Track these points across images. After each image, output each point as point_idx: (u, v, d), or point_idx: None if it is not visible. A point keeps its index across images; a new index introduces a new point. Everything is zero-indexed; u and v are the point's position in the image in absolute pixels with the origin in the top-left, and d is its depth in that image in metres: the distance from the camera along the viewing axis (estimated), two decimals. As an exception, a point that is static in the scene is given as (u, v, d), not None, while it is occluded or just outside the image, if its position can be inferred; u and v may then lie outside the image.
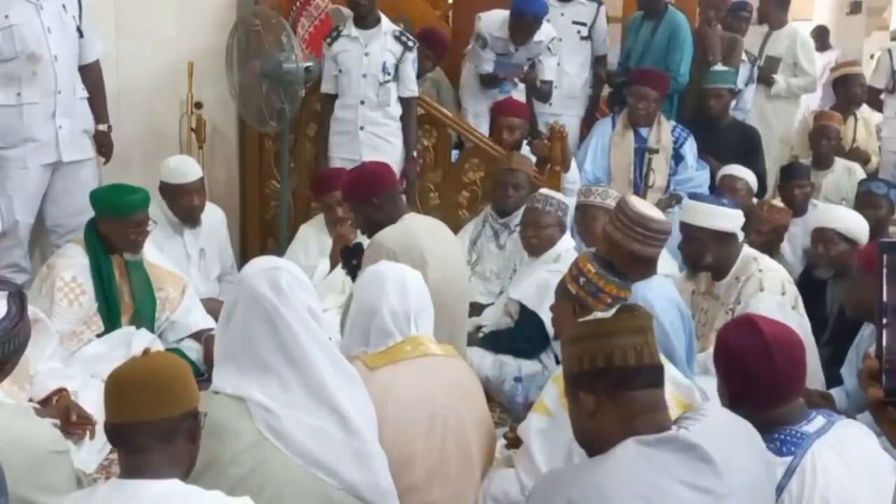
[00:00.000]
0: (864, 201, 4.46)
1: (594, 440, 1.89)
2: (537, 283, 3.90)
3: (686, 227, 3.65)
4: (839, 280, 3.86)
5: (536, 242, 4.09)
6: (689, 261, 3.77)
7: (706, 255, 3.61)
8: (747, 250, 3.69)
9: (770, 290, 3.50)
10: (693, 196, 3.90)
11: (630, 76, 5.53)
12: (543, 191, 4.21)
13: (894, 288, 1.26)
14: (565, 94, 5.67)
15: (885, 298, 1.26)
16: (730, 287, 3.62)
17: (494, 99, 5.45)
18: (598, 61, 5.81)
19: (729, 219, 3.61)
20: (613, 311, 1.93)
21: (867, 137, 6.00)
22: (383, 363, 2.60)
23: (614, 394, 1.84)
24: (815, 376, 3.33)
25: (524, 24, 5.22)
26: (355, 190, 3.59)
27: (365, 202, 3.52)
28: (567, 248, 4.10)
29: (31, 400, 3.25)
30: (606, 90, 6.02)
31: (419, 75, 5.04)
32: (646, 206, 3.34)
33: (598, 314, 1.98)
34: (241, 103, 4.88)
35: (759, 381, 2.19)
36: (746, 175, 5.02)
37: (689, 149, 5.36)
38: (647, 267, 3.18)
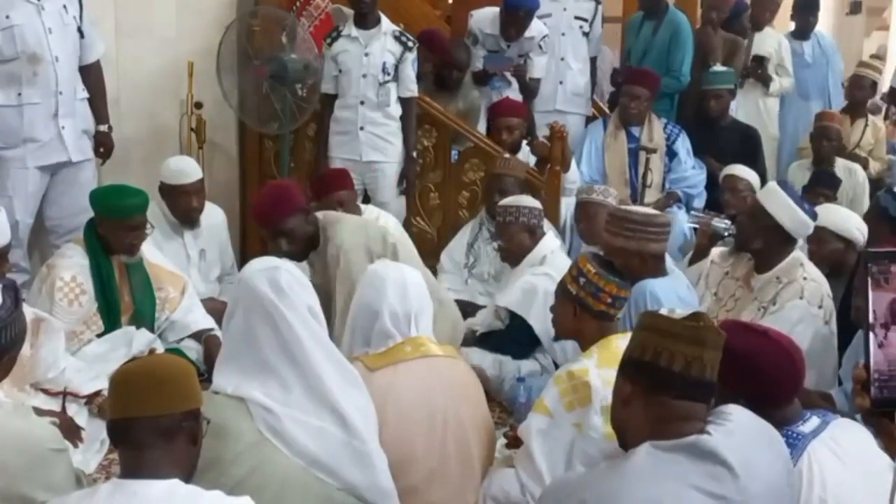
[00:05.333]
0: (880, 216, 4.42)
1: (622, 428, 1.91)
2: (523, 288, 3.90)
3: (756, 206, 3.61)
4: (838, 280, 3.86)
5: (507, 254, 4.11)
6: (739, 237, 3.73)
7: (755, 240, 3.58)
8: (797, 253, 3.62)
9: (809, 301, 3.46)
10: (782, 183, 3.84)
11: (622, 75, 5.55)
12: (504, 202, 4.16)
13: (881, 297, 1.26)
14: (570, 90, 5.66)
15: (871, 308, 1.26)
16: (768, 285, 3.56)
17: (492, 98, 5.46)
18: (592, 63, 5.79)
19: (797, 222, 3.54)
20: (687, 313, 1.90)
21: (874, 143, 5.99)
22: (383, 364, 2.60)
23: (649, 393, 1.84)
24: (832, 387, 3.34)
25: (516, 19, 5.23)
26: (297, 207, 3.63)
27: (299, 214, 3.60)
28: (552, 248, 4.10)
29: (69, 393, 3.32)
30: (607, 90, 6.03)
31: (419, 76, 5.04)
32: (636, 208, 3.45)
33: (678, 312, 1.93)
34: (240, 105, 4.87)
35: (777, 382, 2.19)
36: (749, 175, 5.01)
37: (682, 144, 5.38)
38: (651, 264, 3.30)
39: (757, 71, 6.00)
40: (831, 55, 6.42)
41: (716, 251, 4.00)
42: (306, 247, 3.62)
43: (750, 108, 6.05)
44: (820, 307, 3.50)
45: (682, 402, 1.83)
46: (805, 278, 3.51)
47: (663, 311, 1.93)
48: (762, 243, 3.57)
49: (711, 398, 1.89)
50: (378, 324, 2.66)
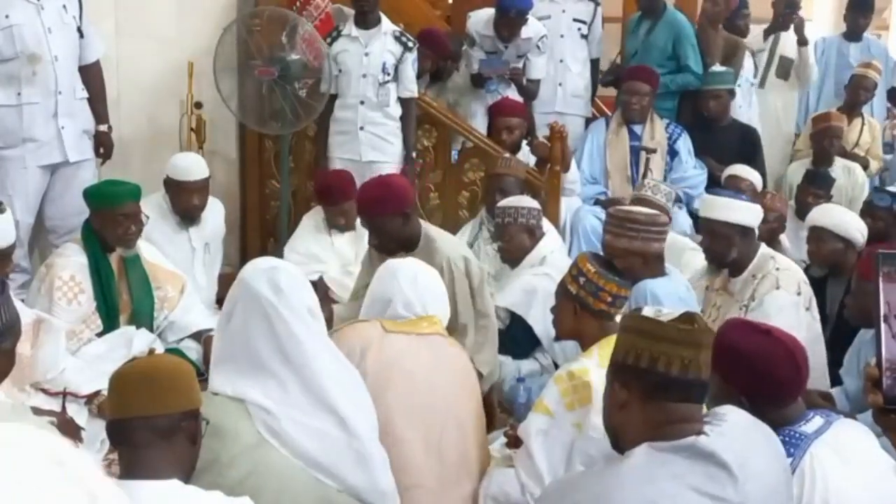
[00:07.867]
0: (864, 210, 4.45)
1: (618, 431, 1.90)
2: (523, 288, 3.92)
3: (710, 223, 3.60)
4: (838, 279, 3.86)
5: (507, 255, 4.12)
6: (713, 258, 3.70)
7: (731, 251, 3.57)
8: (765, 248, 3.66)
9: (786, 289, 3.48)
10: (711, 191, 3.87)
11: (622, 73, 5.55)
12: (503, 203, 4.16)
13: (892, 297, 1.26)
14: (569, 92, 5.67)
15: (882, 307, 1.26)
16: (746, 284, 3.58)
17: (487, 101, 5.45)
18: (593, 64, 5.80)
19: (752, 213, 3.60)
20: (676, 314, 1.88)
21: (871, 142, 5.99)
22: (399, 330, 2.69)
23: (647, 398, 1.83)
24: (822, 377, 3.34)
25: (508, 20, 5.24)
26: (385, 206, 3.47)
27: (397, 216, 3.47)
28: (552, 248, 4.11)
29: (69, 393, 3.31)
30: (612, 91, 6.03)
31: (419, 76, 5.05)
32: (638, 208, 3.45)
33: (664, 313, 1.91)
34: (240, 106, 4.86)
35: (778, 382, 2.19)
36: (751, 175, 5.01)
37: (684, 144, 5.38)
38: (652, 264, 3.32)
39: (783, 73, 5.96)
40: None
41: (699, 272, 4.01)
42: (396, 246, 3.52)
43: (767, 105, 6.05)
44: (798, 294, 3.52)
45: (679, 404, 1.82)
46: (778, 269, 3.54)
47: (648, 312, 1.90)
48: (735, 251, 3.58)
49: (705, 397, 1.89)
50: (390, 310, 2.74)
